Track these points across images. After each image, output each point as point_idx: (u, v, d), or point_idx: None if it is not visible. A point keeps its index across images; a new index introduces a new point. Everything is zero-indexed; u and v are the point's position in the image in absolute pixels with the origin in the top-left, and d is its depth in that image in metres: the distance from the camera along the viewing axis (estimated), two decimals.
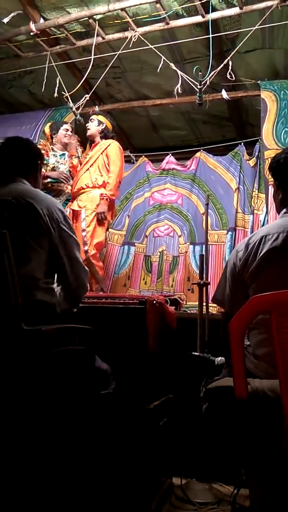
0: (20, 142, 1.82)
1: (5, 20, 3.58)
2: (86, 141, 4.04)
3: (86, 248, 3.47)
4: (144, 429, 1.89)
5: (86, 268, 1.78)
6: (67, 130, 3.81)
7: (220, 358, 1.89)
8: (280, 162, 1.63)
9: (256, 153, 4.29)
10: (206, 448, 2.14)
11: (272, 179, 1.71)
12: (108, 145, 3.70)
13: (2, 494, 1.37)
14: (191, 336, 2.30)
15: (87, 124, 3.82)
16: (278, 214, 1.66)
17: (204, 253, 2.60)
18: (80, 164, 3.81)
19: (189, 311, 3.21)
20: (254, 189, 4.28)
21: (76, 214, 3.59)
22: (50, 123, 3.96)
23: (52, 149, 3.78)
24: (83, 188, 3.63)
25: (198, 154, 4.63)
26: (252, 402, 1.28)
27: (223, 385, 1.46)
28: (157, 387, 2.09)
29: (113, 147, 3.70)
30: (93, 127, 3.78)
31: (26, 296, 1.47)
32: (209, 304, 2.49)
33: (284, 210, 1.61)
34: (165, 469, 2.11)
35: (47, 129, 3.89)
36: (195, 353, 2.04)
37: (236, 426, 1.35)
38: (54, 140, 3.81)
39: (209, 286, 2.46)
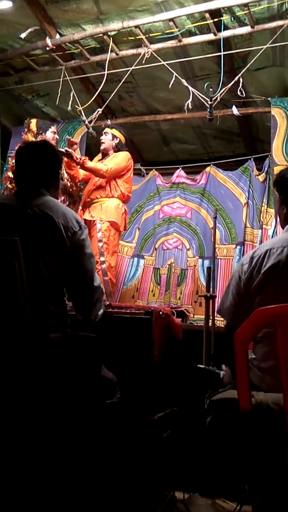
0: (46, 149, 1.80)
1: (23, 35, 3.69)
2: (97, 153, 4.06)
3: (102, 258, 3.47)
4: (148, 440, 1.88)
5: (99, 280, 1.73)
6: (55, 132, 3.71)
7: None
8: (285, 177, 1.65)
9: (266, 169, 4.31)
10: (209, 461, 2.13)
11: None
12: (118, 155, 3.70)
13: (4, 504, 1.37)
14: (197, 348, 2.31)
15: (100, 137, 3.83)
16: (283, 228, 1.68)
17: (211, 266, 2.61)
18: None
19: (196, 324, 3.20)
20: (263, 204, 4.29)
21: (89, 224, 3.55)
22: (36, 120, 3.74)
23: None
24: (97, 198, 3.60)
25: (208, 169, 4.66)
26: (256, 415, 1.28)
27: (227, 397, 1.46)
28: (161, 398, 2.09)
29: (121, 154, 3.70)
30: (107, 141, 3.76)
31: (36, 305, 1.48)
32: (216, 317, 2.50)
33: None
34: (168, 482, 2.10)
35: (33, 126, 3.61)
36: (200, 366, 2.04)
37: (239, 439, 1.35)
38: (38, 139, 3.56)
39: (216, 299, 2.47)
